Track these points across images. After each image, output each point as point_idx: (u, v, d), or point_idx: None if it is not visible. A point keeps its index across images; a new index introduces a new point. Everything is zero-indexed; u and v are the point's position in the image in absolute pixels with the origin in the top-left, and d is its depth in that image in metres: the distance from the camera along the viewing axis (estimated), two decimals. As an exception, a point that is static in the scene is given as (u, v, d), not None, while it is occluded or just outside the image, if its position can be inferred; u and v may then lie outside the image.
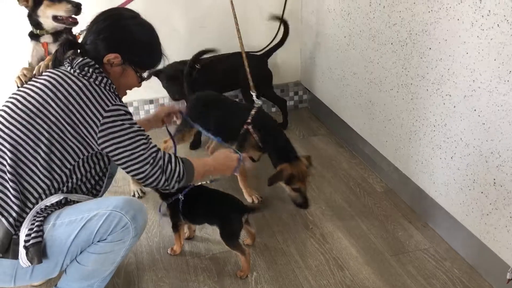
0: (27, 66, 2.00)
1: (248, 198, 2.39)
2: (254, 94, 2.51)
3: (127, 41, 1.59)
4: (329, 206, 2.37)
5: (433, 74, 1.96)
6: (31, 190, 1.43)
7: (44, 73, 1.53)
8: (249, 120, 2.28)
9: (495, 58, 1.62)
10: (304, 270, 1.97)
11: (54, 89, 1.45)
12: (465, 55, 1.76)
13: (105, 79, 1.52)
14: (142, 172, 1.52)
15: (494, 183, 1.71)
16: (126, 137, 1.48)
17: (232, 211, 1.93)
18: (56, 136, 1.43)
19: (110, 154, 1.50)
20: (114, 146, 1.48)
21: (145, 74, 1.67)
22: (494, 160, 1.70)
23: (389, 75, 2.29)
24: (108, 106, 1.47)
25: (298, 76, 3.47)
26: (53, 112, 1.43)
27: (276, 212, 2.33)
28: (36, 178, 1.43)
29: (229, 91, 3.10)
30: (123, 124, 1.48)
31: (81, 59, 1.53)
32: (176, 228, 2.03)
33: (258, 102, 2.44)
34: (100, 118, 1.45)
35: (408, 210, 2.30)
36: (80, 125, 1.44)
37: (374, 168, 2.60)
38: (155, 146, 1.58)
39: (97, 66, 1.53)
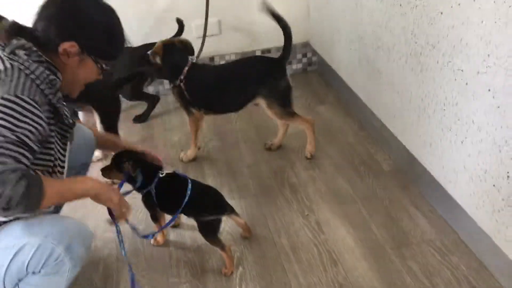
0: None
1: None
2: None
3: (84, 26, 1.35)
4: (329, 188, 2.17)
5: (444, 43, 1.68)
6: None
7: None
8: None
9: (513, 29, 1.33)
10: (294, 265, 1.79)
11: None
12: (480, 23, 1.47)
13: (39, 69, 1.28)
14: None
15: (508, 176, 1.47)
16: None
17: (209, 205, 1.75)
18: None
19: None
20: None
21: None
22: (509, 150, 1.44)
23: (398, 42, 2.00)
24: (9, 93, 1.20)
25: (307, 36, 3.18)
26: None
27: (271, 196, 2.15)
28: None
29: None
30: (2, 120, 1.17)
31: (16, 41, 1.31)
32: (155, 218, 1.87)
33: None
34: None
35: (416, 193, 2.07)
36: None
37: (383, 143, 2.36)
38: (16, 160, 1.18)
39: (34, 49, 1.30)
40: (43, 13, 1.34)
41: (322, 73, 3.12)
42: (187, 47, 2.28)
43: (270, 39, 3.10)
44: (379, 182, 2.17)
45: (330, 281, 1.72)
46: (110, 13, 1.40)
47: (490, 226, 1.61)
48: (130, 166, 1.73)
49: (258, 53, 3.13)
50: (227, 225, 1.97)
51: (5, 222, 1.29)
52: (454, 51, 1.62)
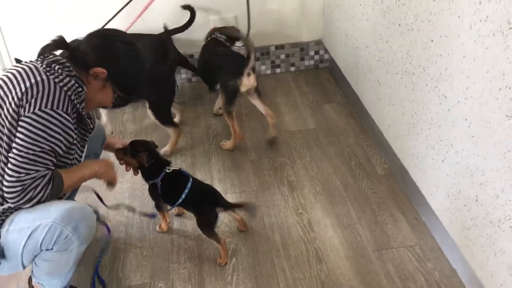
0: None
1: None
2: None
3: (117, 65, 1.62)
4: (325, 188, 2.33)
5: (433, 69, 1.80)
6: None
7: (17, 64, 1.55)
8: None
9: (488, 70, 1.46)
10: (283, 260, 1.98)
11: (14, 81, 1.47)
12: (462, 58, 1.59)
13: (71, 82, 1.51)
14: (8, 175, 1.45)
15: (476, 200, 1.61)
16: (29, 143, 1.43)
17: (206, 202, 1.94)
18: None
19: (13, 144, 1.45)
20: (16, 140, 1.43)
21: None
22: (479, 176, 1.58)
23: (395, 59, 2.13)
24: (46, 107, 1.44)
25: (320, 34, 3.29)
26: (10, 102, 1.45)
27: (270, 192, 2.33)
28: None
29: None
30: (40, 131, 1.43)
31: (53, 55, 1.53)
32: (159, 207, 2.08)
33: None
34: (30, 111, 1.42)
35: (405, 199, 2.23)
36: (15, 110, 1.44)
37: (381, 147, 2.50)
38: (44, 171, 1.47)
39: (67, 65, 1.52)
40: (89, 40, 1.61)
41: (332, 72, 3.23)
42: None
43: (284, 34, 3.22)
44: (372, 185, 2.33)
45: (313, 278, 1.90)
46: (139, 60, 1.69)
47: (460, 240, 1.76)
48: (145, 156, 1.93)
49: (272, 49, 3.25)
50: (226, 218, 2.17)
51: (15, 209, 1.51)
52: (440, 78, 1.75)
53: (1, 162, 1.47)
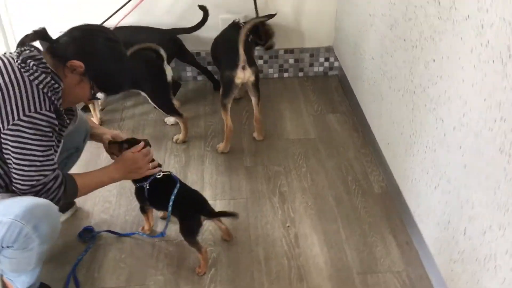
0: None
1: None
2: None
3: (96, 60, 1.58)
4: (316, 202, 2.26)
5: (433, 90, 1.71)
6: None
7: None
8: None
9: (485, 98, 1.37)
10: (263, 275, 1.92)
11: None
12: (461, 82, 1.50)
13: (47, 79, 1.47)
14: (19, 184, 1.50)
15: (464, 233, 1.52)
16: (29, 151, 1.45)
17: (191, 208, 1.89)
18: None
19: (4, 152, 1.46)
20: (11, 151, 1.45)
21: (99, 95, 1.67)
22: (468, 209, 1.49)
23: (398, 75, 2.04)
24: (30, 110, 1.42)
25: (331, 41, 3.20)
26: None
27: (260, 202, 2.26)
28: None
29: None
30: (29, 140, 1.44)
31: (29, 50, 1.49)
32: (143, 210, 2.04)
33: None
34: (15, 118, 1.41)
35: (398, 222, 2.13)
36: None
37: (380, 164, 2.41)
38: (51, 174, 1.52)
39: (43, 61, 1.48)
40: (70, 33, 1.58)
41: (341, 80, 3.15)
42: None
43: (294, 39, 3.15)
44: (366, 204, 2.24)
45: (291, 296, 1.84)
46: (121, 60, 1.65)
47: (447, 273, 1.67)
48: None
49: (281, 52, 3.18)
50: (211, 225, 2.11)
51: None
52: (439, 100, 1.66)
53: None
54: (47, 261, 1.95)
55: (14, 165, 1.46)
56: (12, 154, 1.45)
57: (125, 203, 2.25)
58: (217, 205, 2.23)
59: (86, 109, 2.84)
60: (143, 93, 2.55)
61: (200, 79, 3.23)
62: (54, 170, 1.54)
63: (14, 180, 1.49)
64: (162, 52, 2.48)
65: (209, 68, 3.12)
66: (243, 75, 2.41)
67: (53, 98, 1.48)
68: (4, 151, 1.46)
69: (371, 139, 2.50)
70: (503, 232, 1.30)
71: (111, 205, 2.26)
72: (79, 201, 2.24)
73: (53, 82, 1.48)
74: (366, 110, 2.56)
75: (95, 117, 2.77)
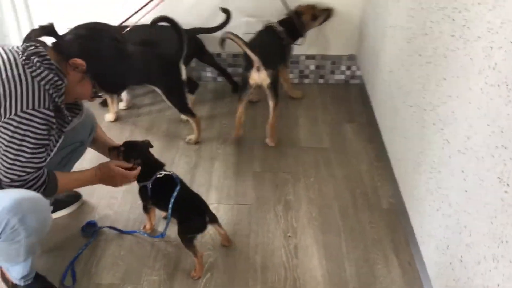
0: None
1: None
2: None
3: (97, 60, 1.59)
4: (321, 214, 2.22)
5: (442, 109, 1.65)
6: None
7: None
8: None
9: (488, 123, 1.31)
10: (258, 284, 1.90)
11: None
12: (468, 104, 1.44)
13: (50, 75, 1.49)
14: (2, 175, 1.51)
15: (461, 260, 1.46)
16: (17, 146, 1.46)
17: (191, 211, 1.88)
18: None
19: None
20: (2, 143, 1.46)
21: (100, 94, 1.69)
22: (466, 236, 1.43)
23: (413, 90, 1.98)
24: (28, 107, 1.44)
25: (354, 49, 3.14)
26: None
27: (264, 209, 2.24)
28: None
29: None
30: (22, 136, 1.46)
31: (34, 46, 1.51)
32: (146, 209, 2.05)
33: None
34: (12, 113, 1.43)
35: (403, 240, 2.07)
36: None
37: (390, 179, 2.35)
38: (35, 173, 1.53)
39: (48, 57, 1.50)
40: (76, 31, 1.60)
41: (362, 90, 3.09)
42: None
43: (316, 45, 3.11)
44: (372, 219, 2.19)
45: (284, 308, 1.81)
46: (124, 59, 1.65)
47: (442, 299, 1.62)
48: (137, 164, 1.91)
49: (302, 58, 3.14)
50: (212, 230, 2.10)
51: None
52: (446, 120, 1.60)
53: None
54: (47, 252, 2.00)
55: (1, 155, 1.47)
56: (3, 146, 1.46)
57: (131, 201, 2.27)
58: (221, 209, 2.22)
59: (104, 103, 2.89)
60: (158, 90, 2.56)
61: (219, 80, 3.23)
62: (39, 168, 1.54)
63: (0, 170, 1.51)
64: (184, 48, 2.48)
65: (229, 70, 3.11)
66: (257, 77, 2.42)
67: (54, 95, 1.50)
68: None
69: (384, 152, 2.45)
70: (496, 264, 1.24)
71: (117, 201, 2.28)
72: (85, 194, 2.27)
73: (56, 79, 1.50)
74: (381, 123, 2.51)
75: (112, 112, 2.80)
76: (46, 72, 1.48)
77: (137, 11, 2.68)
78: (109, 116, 2.81)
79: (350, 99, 3.08)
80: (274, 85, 2.49)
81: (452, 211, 1.54)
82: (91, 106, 2.86)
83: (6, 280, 1.78)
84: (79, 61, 1.53)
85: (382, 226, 2.15)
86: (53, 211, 2.12)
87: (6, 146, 1.46)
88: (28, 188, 1.53)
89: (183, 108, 2.61)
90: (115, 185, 1.87)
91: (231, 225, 2.13)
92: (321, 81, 3.23)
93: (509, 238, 1.18)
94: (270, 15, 2.85)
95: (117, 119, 2.84)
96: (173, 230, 2.10)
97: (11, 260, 1.59)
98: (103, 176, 1.81)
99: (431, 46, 1.76)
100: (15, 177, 1.50)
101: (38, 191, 1.55)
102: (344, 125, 2.84)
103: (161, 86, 2.54)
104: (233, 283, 1.90)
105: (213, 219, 1.96)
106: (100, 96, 1.75)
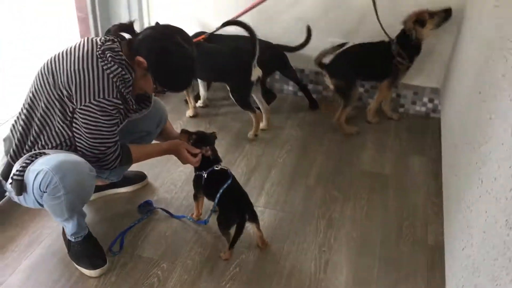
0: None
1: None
2: None
3: (158, 60, 1.78)
4: (361, 237, 2.23)
5: (484, 148, 1.61)
6: (45, 138, 1.80)
7: (85, 40, 1.81)
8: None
9: (510, 165, 1.28)
10: (280, 288, 1.97)
11: (74, 59, 1.73)
12: (501, 146, 1.41)
13: (118, 69, 1.72)
14: (85, 151, 1.81)
15: (469, 303, 1.42)
16: (93, 129, 1.74)
17: (233, 206, 2.04)
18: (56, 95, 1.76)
19: (74, 124, 1.77)
20: (80, 126, 1.75)
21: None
22: (476, 277, 1.39)
23: (469, 128, 1.94)
24: (99, 96, 1.70)
25: (440, 82, 3.08)
26: (61, 76, 1.73)
27: (306, 221, 2.30)
28: (53, 129, 1.79)
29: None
30: (97, 119, 1.73)
31: (111, 41, 1.76)
32: (195, 198, 2.23)
33: None
34: (87, 101, 1.70)
35: (437, 278, 2.01)
36: (67, 95, 1.73)
37: (443, 217, 2.29)
38: (113, 147, 1.82)
39: (120, 53, 1.74)
40: (147, 31, 1.82)
41: (441, 125, 3.01)
42: None
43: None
44: (413, 253, 2.14)
45: (298, 317, 1.86)
46: (184, 64, 1.84)
47: None
48: (207, 151, 2.13)
49: (384, 84, 3.14)
50: (252, 229, 2.20)
51: (40, 154, 1.79)
52: (485, 159, 1.57)
53: (59, 124, 1.79)
54: (105, 219, 2.26)
55: (83, 137, 1.77)
56: (82, 129, 1.76)
57: (187, 190, 2.46)
58: (265, 213, 2.33)
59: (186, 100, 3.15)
60: (227, 86, 2.81)
61: (300, 95, 3.34)
62: (115, 143, 1.83)
63: (78, 148, 1.81)
64: (256, 51, 2.66)
65: (310, 86, 3.21)
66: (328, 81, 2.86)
67: (120, 87, 1.75)
68: (74, 124, 1.78)
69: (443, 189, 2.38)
70: (489, 308, 1.21)
71: (175, 188, 2.49)
72: (151, 176, 2.51)
73: (123, 73, 1.74)
74: (444, 159, 2.45)
75: (191, 108, 3.05)
76: (115, 67, 1.72)
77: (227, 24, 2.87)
78: (189, 112, 3.06)
79: (426, 132, 3.02)
80: (339, 91, 2.91)
81: (472, 251, 1.50)
82: (177, 102, 3.18)
83: (64, 236, 2.05)
84: (141, 59, 1.76)
85: (421, 261, 2.10)
86: (121, 186, 2.39)
87: (87, 128, 1.75)
88: (107, 159, 1.83)
89: (244, 104, 2.82)
90: (180, 160, 2.13)
91: (270, 230, 2.23)
92: (400, 109, 3.20)
93: (507, 281, 1.15)
94: (358, 37, 2.91)
95: (196, 115, 3.08)
96: (216, 222, 2.25)
97: (58, 216, 1.83)
98: (170, 153, 2.09)
99: (488, 84, 1.73)
100: (97, 151, 1.80)
101: (115, 162, 1.85)
102: (411, 157, 2.79)
103: (229, 81, 2.79)
104: (258, 282, 1.99)
105: (254, 219, 2.07)
106: (163, 92, 1.94)
